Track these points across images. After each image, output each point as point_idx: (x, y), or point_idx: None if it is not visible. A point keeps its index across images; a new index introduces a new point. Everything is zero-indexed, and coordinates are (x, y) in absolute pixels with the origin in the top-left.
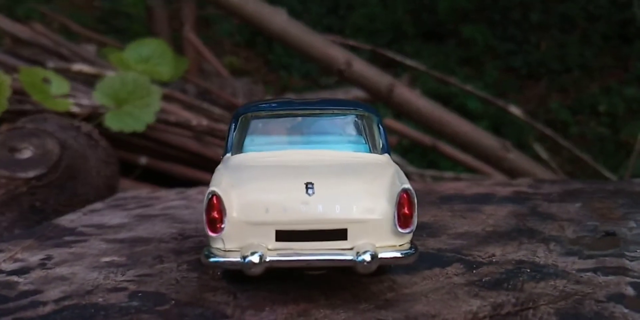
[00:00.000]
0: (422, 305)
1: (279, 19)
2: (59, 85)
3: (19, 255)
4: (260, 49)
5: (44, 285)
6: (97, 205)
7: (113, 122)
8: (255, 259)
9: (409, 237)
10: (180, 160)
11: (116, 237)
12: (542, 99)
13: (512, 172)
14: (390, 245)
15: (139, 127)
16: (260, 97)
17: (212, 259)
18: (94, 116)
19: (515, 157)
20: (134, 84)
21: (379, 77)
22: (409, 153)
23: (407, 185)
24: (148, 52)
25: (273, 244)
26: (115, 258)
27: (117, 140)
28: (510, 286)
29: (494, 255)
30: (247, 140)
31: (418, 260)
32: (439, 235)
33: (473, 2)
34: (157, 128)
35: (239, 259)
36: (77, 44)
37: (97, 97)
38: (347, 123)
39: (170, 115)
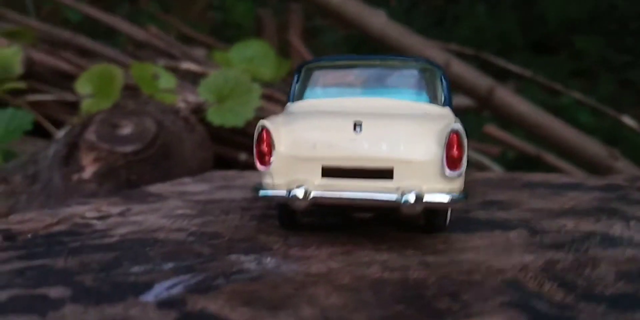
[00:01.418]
0: (471, 255)
1: (379, 21)
2: (167, 81)
3: (103, 208)
4: None
5: (117, 227)
6: (186, 179)
7: (215, 117)
8: (300, 193)
9: (459, 182)
10: None
11: (193, 199)
12: None
13: None
14: (438, 188)
15: (239, 123)
16: None
17: (261, 192)
18: (198, 111)
19: (623, 166)
20: (235, 81)
21: (478, 79)
22: (514, 168)
23: (457, 126)
24: (252, 53)
25: (319, 180)
26: (187, 211)
27: (219, 136)
28: (573, 248)
29: (565, 226)
30: (308, 90)
31: (479, 224)
32: (509, 209)
33: (585, 12)
34: (255, 125)
35: (284, 193)
36: (189, 47)
37: (201, 93)
38: (408, 75)
39: (269, 113)
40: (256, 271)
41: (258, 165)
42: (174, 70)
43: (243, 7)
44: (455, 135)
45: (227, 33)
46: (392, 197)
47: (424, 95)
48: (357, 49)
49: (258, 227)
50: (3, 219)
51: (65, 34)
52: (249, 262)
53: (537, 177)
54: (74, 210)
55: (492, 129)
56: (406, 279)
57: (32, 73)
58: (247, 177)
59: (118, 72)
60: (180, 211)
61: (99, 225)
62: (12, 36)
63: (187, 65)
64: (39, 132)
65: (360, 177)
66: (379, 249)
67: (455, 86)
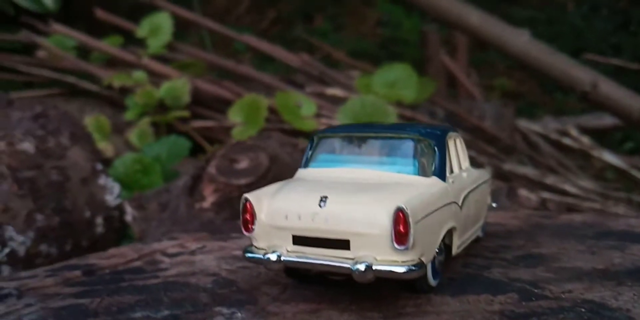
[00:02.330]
0: None
1: (520, 40)
2: (308, 108)
3: (187, 244)
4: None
5: (175, 266)
6: None
7: None
8: (273, 257)
9: (414, 254)
10: None
11: None
12: None
13: None
14: (391, 259)
15: None
16: (509, 120)
17: (246, 254)
18: None
19: None
20: (372, 107)
21: (629, 100)
22: None
23: (403, 204)
24: (394, 77)
25: (291, 246)
26: (240, 253)
27: None
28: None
29: (569, 291)
30: (314, 158)
31: (477, 285)
32: (535, 267)
33: None
34: None
35: (261, 256)
36: (342, 70)
37: (339, 118)
38: (400, 146)
39: None
40: None
41: (243, 231)
42: (320, 96)
43: (409, 23)
44: (400, 213)
45: (394, 49)
46: (346, 265)
47: (412, 167)
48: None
49: (276, 275)
50: (100, 252)
51: (229, 64)
52: (221, 316)
53: (628, 222)
54: (161, 245)
55: None
56: None
57: (198, 100)
58: None
59: (263, 102)
60: (236, 252)
61: (165, 263)
62: (183, 68)
63: (332, 90)
64: (202, 153)
65: (324, 246)
66: (347, 309)
67: (604, 108)
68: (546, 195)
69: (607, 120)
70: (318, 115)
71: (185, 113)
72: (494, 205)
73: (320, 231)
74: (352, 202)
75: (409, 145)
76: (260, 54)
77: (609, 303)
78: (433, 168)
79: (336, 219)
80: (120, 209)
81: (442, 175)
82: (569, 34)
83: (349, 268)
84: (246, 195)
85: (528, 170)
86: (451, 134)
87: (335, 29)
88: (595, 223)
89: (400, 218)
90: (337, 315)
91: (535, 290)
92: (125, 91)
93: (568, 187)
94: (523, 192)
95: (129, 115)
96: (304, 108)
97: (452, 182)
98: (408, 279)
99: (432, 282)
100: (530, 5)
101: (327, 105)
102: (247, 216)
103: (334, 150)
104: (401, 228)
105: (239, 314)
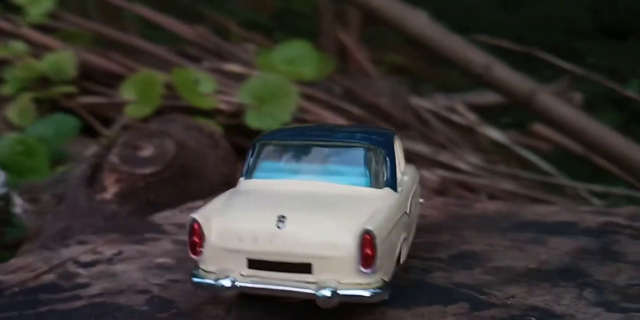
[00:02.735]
0: None
1: (419, 22)
2: (207, 84)
3: (99, 248)
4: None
5: (95, 280)
6: (198, 203)
7: (253, 121)
8: (226, 283)
9: (378, 275)
10: None
11: (184, 239)
12: None
13: None
14: (356, 282)
15: (275, 126)
16: (403, 97)
17: (194, 279)
18: (237, 114)
19: None
20: (274, 85)
21: (520, 83)
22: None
23: (370, 227)
24: (294, 54)
25: (246, 270)
26: (167, 260)
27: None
28: None
29: (512, 297)
30: (257, 168)
31: (425, 294)
32: (473, 268)
33: None
34: None
35: (213, 281)
36: (238, 44)
37: (240, 97)
38: (352, 156)
39: (307, 114)
40: None
41: (190, 254)
42: (218, 72)
43: None
44: (367, 236)
45: (287, 20)
46: (310, 290)
47: (364, 178)
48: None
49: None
50: (2, 264)
51: (116, 34)
52: None
53: (533, 212)
54: (71, 252)
55: (540, 128)
56: None
57: (85, 75)
58: None
59: (158, 80)
60: (160, 260)
61: (83, 276)
62: (68, 39)
63: (231, 66)
64: (91, 132)
65: (283, 270)
66: None
67: (497, 90)
68: (441, 172)
69: (491, 98)
70: (218, 92)
71: (72, 88)
72: (421, 201)
73: (279, 255)
74: (313, 222)
75: (359, 155)
76: (150, 24)
77: (554, 309)
78: (385, 178)
79: (297, 241)
80: (6, 198)
81: (393, 186)
82: (457, 13)
83: (312, 294)
84: (193, 215)
85: (421, 148)
86: (395, 137)
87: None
88: (509, 213)
89: (367, 241)
90: None
91: (482, 297)
92: (2, 63)
93: (460, 164)
94: (425, 173)
95: (6, 90)
96: (203, 85)
97: (401, 190)
98: (373, 302)
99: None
100: None
101: (225, 81)
102: (195, 239)
103: (279, 159)
104: (368, 251)
105: None
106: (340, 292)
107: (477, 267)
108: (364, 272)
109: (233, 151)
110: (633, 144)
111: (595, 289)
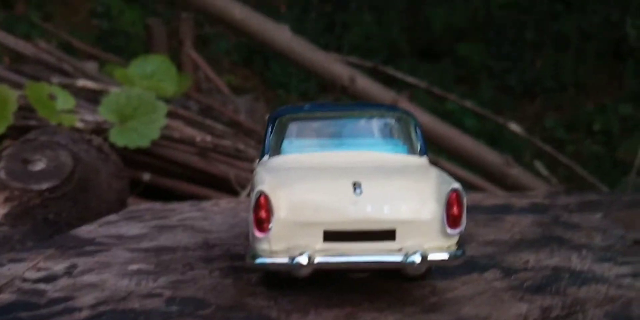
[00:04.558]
0: (469, 308)
1: (284, 36)
2: (64, 101)
3: (42, 264)
4: (258, 67)
5: (75, 292)
6: (112, 217)
7: (118, 138)
8: (303, 260)
9: (456, 238)
10: (184, 177)
11: (139, 247)
12: (538, 117)
13: (514, 189)
14: (438, 246)
15: (144, 143)
16: (261, 113)
17: (258, 260)
18: (98, 132)
19: (518, 173)
20: (139, 100)
21: (382, 93)
22: None
23: (457, 185)
24: (152, 69)
25: (321, 244)
26: (143, 266)
27: (120, 156)
28: (553, 290)
29: (528, 261)
30: (285, 143)
31: (455, 266)
32: (468, 243)
33: (467, 20)
34: (160, 144)
35: (286, 260)
36: (79, 60)
37: (102, 113)
38: (385, 125)
39: (174, 131)
40: None
41: (256, 232)
42: (68, 88)
43: (130, 15)
44: (455, 194)
45: (114, 42)
46: (397, 258)
47: (402, 146)
48: (250, 58)
49: (236, 286)
50: None
51: None
52: None
53: (469, 198)
54: (11, 270)
55: None
56: None
57: None
58: (179, 210)
59: (10, 94)
60: (135, 266)
61: (51, 291)
62: None
63: (83, 82)
64: None
65: (362, 239)
66: (378, 307)
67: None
68: None
69: None
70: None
71: None
72: None
73: (362, 222)
74: (392, 188)
75: (391, 125)
76: None
77: (573, 267)
78: (419, 147)
79: (379, 207)
80: None
81: (427, 154)
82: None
83: (400, 262)
84: (260, 187)
85: None
86: None
87: (44, 18)
88: None
89: (454, 200)
90: (380, 316)
91: (503, 264)
92: None
93: None
94: None
95: None
96: (60, 101)
97: None
98: (454, 265)
99: None
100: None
101: (77, 101)
102: (262, 213)
103: (308, 132)
104: (455, 210)
105: None
106: (430, 256)
107: (472, 242)
108: (449, 234)
109: (124, 166)
110: (482, 146)
111: (587, 249)
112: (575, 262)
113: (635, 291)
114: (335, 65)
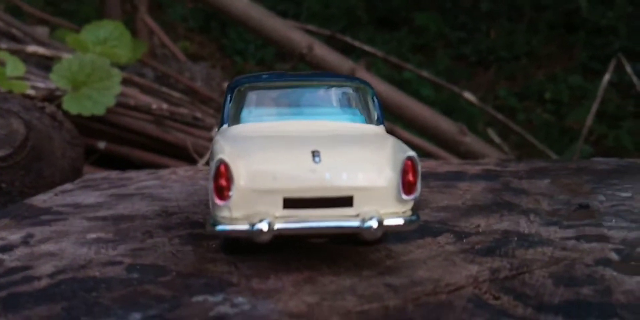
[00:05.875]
0: (423, 271)
1: (240, 2)
2: (14, 67)
3: None
4: (215, 34)
5: (33, 261)
6: (67, 186)
7: (71, 106)
8: (263, 226)
9: (411, 204)
10: (139, 145)
11: (97, 215)
12: (491, 86)
13: (467, 156)
14: (393, 212)
15: (98, 111)
16: (217, 81)
17: (218, 227)
18: (51, 99)
19: (471, 140)
20: (92, 66)
21: (340, 61)
22: None
23: (412, 153)
24: (105, 34)
25: (280, 211)
26: (102, 234)
27: (75, 124)
28: (502, 253)
29: (479, 226)
30: (245, 112)
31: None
32: (422, 209)
33: None
34: (116, 112)
35: (246, 227)
36: (28, 25)
37: (53, 80)
38: (343, 95)
39: (130, 99)
40: (237, 316)
41: (217, 200)
42: (18, 54)
43: None
44: (410, 162)
45: (65, 6)
46: (355, 223)
47: (359, 116)
48: (206, 24)
49: (196, 253)
50: None
51: None
52: (221, 305)
53: (424, 165)
54: None
55: None
56: (386, 309)
57: None
58: (136, 179)
59: None
60: (93, 235)
61: (8, 260)
62: None
63: (33, 48)
64: None
65: (321, 206)
66: (337, 271)
67: (319, 69)
68: None
69: None
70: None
71: None
72: None
73: (321, 190)
74: (350, 155)
75: (349, 94)
76: None
77: (521, 230)
78: (376, 116)
79: (338, 174)
80: None
81: (384, 124)
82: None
83: (357, 227)
84: (220, 156)
85: None
86: None
87: None
88: None
89: (409, 167)
90: (338, 279)
91: (455, 229)
92: None
93: None
94: None
95: None
96: (9, 67)
97: None
98: (411, 229)
99: None
100: None
101: (28, 67)
102: (222, 181)
103: (266, 101)
104: (410, 177)
105: (239, 298)
106: (386, 222)
107: (426, 208)
108: (405, 200)
109: (78, 134)
110: (438, 115)
111: (535, 214)
112: (524, 226)
113: (578, 253)
114: (293, 33)
